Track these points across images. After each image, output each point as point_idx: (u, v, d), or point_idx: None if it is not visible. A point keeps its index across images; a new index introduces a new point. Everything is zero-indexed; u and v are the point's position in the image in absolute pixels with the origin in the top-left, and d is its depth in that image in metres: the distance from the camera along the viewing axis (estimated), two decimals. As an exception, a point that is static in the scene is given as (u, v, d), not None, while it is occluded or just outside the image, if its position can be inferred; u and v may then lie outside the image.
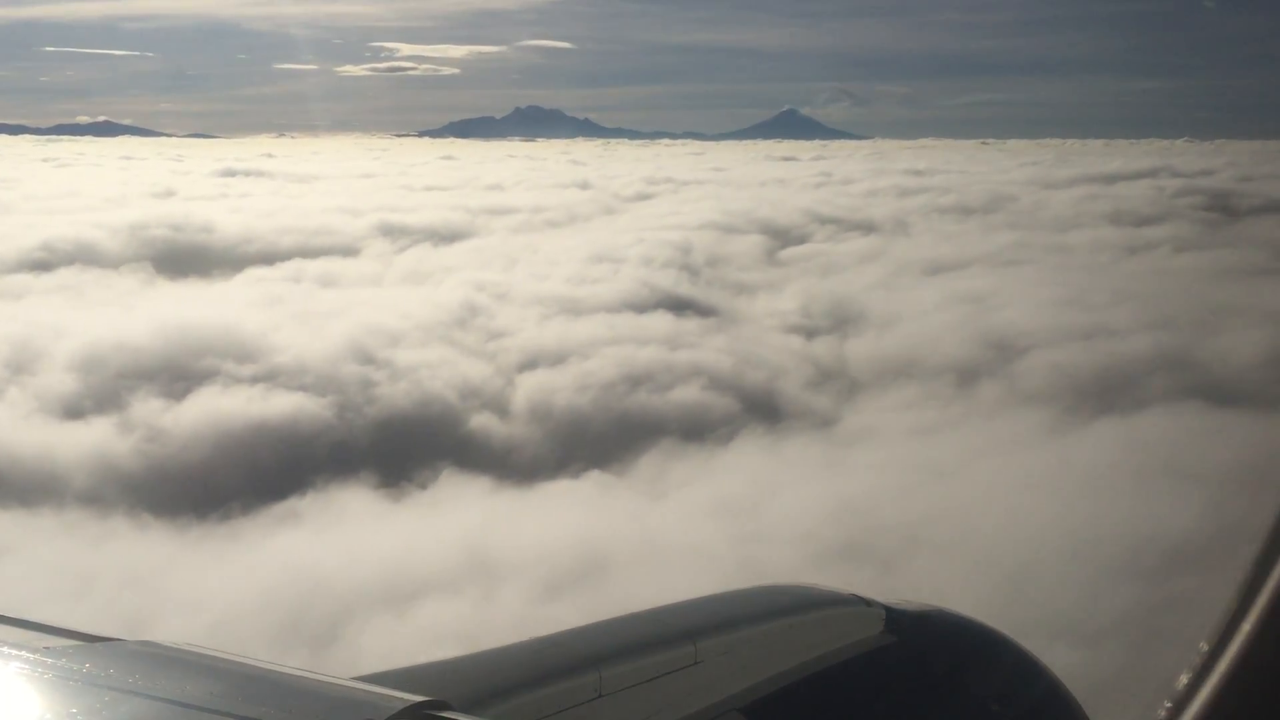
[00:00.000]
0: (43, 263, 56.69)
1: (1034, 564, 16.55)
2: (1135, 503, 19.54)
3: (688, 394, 32.38)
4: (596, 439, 28.58)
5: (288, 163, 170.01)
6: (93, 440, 26.88)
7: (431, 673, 3.12)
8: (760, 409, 31.29)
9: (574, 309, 41.78)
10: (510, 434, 29.74)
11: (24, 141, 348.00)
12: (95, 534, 20.18)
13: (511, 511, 21.38)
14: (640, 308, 42.36)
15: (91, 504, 22.73)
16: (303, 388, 30.49)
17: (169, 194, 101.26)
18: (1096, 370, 32.21)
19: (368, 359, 33.34)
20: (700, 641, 3.41)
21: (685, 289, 47.25)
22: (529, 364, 35.09)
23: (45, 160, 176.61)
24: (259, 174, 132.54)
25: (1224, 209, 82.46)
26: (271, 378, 31.11)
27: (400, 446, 27.44)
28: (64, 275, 53.67)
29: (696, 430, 28.57)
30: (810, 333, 42.31)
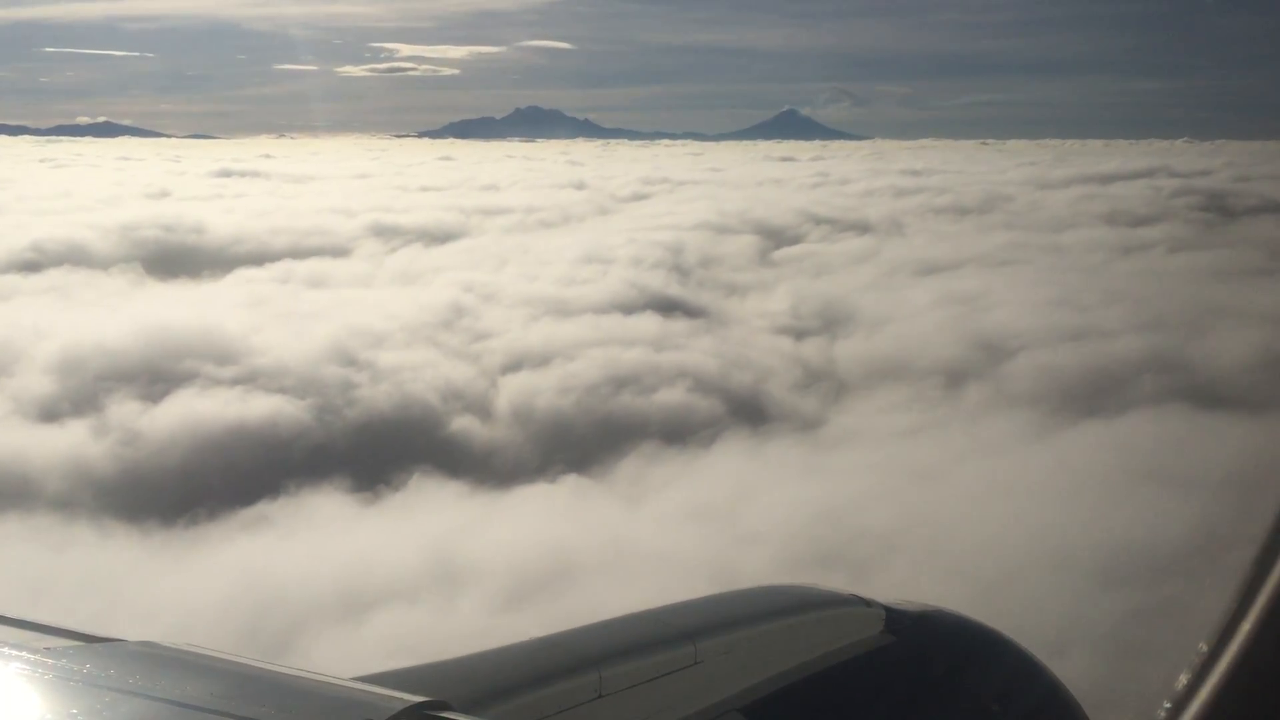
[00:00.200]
0: (32, 263, 56.39)
1: (1007, 572, 16.25)
2: (1114, 508, 19.24)
3: (672, 396, 32.08)
4: (577, 442, 28.27)
5: (285, 163, 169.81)
6: (67, 444, 26.58)
7: (431, 673, 3.09)
8: (745, 411, 30.98)
9: (561, 310, 41.49)
10: (490, 437, 29.45)
11: (23, 142, 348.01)
12: (59, 539, 19.87)
13: (482, 516, 21.04)
14: (628, 309, 42.05)
15: (61, 508, 22.43)
16: (282, 390, 30.18)
17: (163, 195, 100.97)
18: (1084, 372, 31.91)
19: (349, 361, 33.04)
20: (700, 642, 3.41)
21: (674, 290, 46.93)
22: (513, 366, 34.78)
23: (42, 161, 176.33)
24: (255, 174, 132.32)
25: (1220, 209, 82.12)
26: (251, 380, 30.81)
27: (378, 450, 27.13)
28: (52, 276, 53.38)
29: (679, 433, 28.27)
30: (799, 334, 42.00)
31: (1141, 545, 17.15)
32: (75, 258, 58.38)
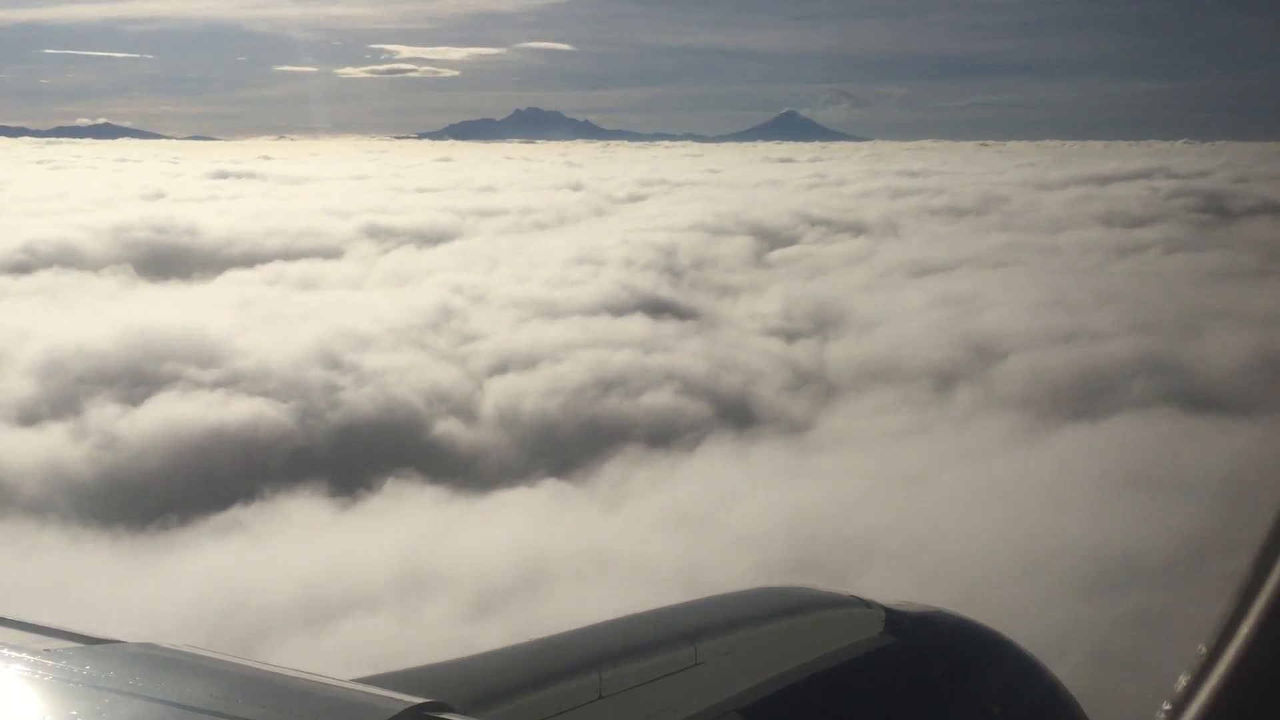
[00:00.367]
0: (22, 265, 56.12)
1: (983, 579, 15.99)
2: (1096, 514, 18.97)
3: (659, 399, 31.79)
4: (562, 445, 28.00)
5: (283, 165, 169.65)
6: (45, 447, 26.29)
7: (432, 674, 3.11)
8: (733, 414, 30.69)
9: (550, 312, 41.19)
10: (474, 440, 29.14)
11: (23, 144, 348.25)
12: (28, 544, 19.61)
13: (456, 522, 20.77)
14: (618, 310, 41.75)
15: (35, 513, 22.15)
16: (265, 393, 29.89)
17: (159, 196, 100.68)
18: (1074, 374, 31.63)
19: (334, 363, 32.73)
20: (700, 643, 3.43)
21: (666, 292, 46.62)
22: (500, 368, 34.48)
23: (40, 162, 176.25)
24: (251, 176, 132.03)
25: (1218, 210, 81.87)
26: (233, 383, 30.51)
27: (359, 454, 26.85)
28: (42, 278, 53.12)
29: (664, 436, 27.99)
30: (791, 336, 41.71)
31: (1122, 552, 16.89)
32: (66, 259, 58.13)
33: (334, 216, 79.10)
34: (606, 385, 32.49)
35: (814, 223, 75.67)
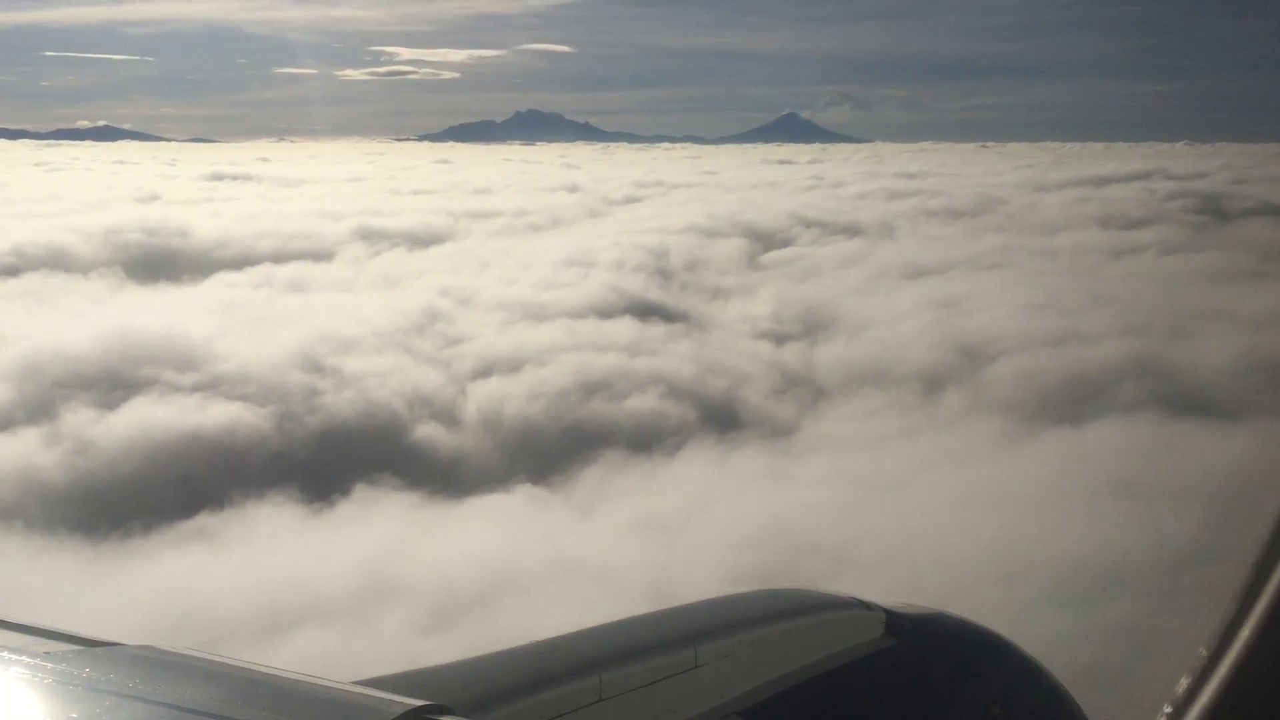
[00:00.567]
0: (11, 268, 55.84)
1: (960, 586, 15.66)
2: (1077, 521, 18.64)
3: (643, 403, 31.46)
4: (542, 451, 27.66)
5: (280, 167, 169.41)
6: (17, 453, 25.94)
7: (432, 677, 3.09)
8: (717, 418, 30.37)
9: (537, 314, 40.84)
10: (454, 445, 28.79)
11: (23, 146, 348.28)
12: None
13: (425, 529, 20.42)
14: (606, 313, 41.41)
15: (2, 519, 21.80)
16: (243, 397, 29.54)
17: (153, 198, 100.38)
18: (1062, 378, 31.29)
19: (315, 367, 32.39)
20: (701, 645, 3.43)
21: (655, 294, 46.25)
22: (483, 371, 34.14)
23: (38, 165, 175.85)
24: (247, 178, 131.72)
25: (1215, 211, 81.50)
26: (212, 386, 30.16)
27: (336, 459, 26.48)
28: (29, 280, 52.84)
29: (646, 441, 27.64)
30: (780, 338, 41.42)
31: (1099, 561, 16.57)
32: (55, 262, 57.87)
33: (327, 219, 78.77)
34: (590, 389, 32.17)
35: (809, 224, 75.36)
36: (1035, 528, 18.40)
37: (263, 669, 2.64)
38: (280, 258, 60.12)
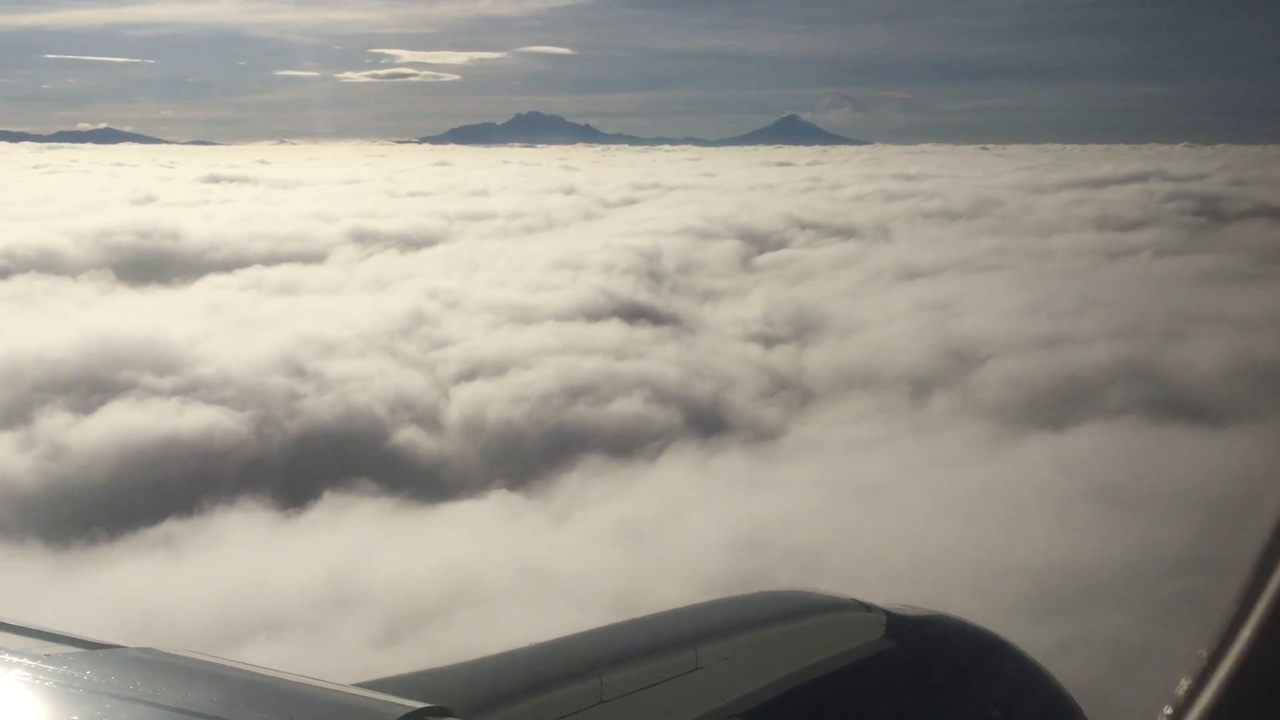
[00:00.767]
0: (0, 270, 55.62)
1: (936, 594, 15.29)
2: (1058, 528, 18.31)
3: (628, 406, 31.13)
4: (523, 455, 27.32)
5: (279, 169, 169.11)
6: (-11, 457, 25.63)
7: (433, 679, 3.09)
8: (703, 422, 30.03)
9: (525, 317, 40.51)
10: (435, 450, 28.46)
11: (23, 148, 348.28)
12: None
13: (395, 536, 20.08)
14: (594, 316, 41.08)
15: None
16: (222, 401, 29.22)
17: (149, 200, 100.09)
18: (1051, 381, 30.96)
19: (297, 371, 32.07)
20: (701, 647, 3.43)
21: (645, 297, 45.93)
22: (468, 375, 33.82)
23: (37, 167, 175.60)
24: (244, 180, 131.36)
25: (1212, 213, 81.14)
26: (191, 390, 29.84)
27: (313, 464, 26.13)
28: (18, 283, 52.56)
29: (627, 446, 27.28)
30: (770, 341, 41.07)
31: (1080, 568, 16.24)
32: (45, 264, 57.64)
33: (320, 221, 78.49)
34: (575, 393, 31.83)
35: (804, 226, 75.05)
36: (1016, 534, 18.06)
37: (263, 671, 2.64)
38: (272, 260, 59.86)
